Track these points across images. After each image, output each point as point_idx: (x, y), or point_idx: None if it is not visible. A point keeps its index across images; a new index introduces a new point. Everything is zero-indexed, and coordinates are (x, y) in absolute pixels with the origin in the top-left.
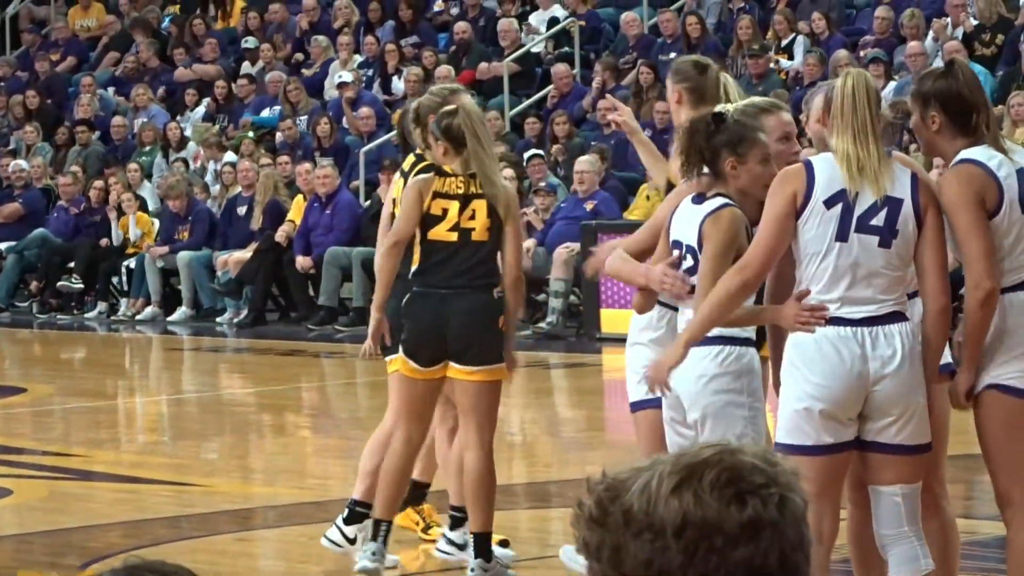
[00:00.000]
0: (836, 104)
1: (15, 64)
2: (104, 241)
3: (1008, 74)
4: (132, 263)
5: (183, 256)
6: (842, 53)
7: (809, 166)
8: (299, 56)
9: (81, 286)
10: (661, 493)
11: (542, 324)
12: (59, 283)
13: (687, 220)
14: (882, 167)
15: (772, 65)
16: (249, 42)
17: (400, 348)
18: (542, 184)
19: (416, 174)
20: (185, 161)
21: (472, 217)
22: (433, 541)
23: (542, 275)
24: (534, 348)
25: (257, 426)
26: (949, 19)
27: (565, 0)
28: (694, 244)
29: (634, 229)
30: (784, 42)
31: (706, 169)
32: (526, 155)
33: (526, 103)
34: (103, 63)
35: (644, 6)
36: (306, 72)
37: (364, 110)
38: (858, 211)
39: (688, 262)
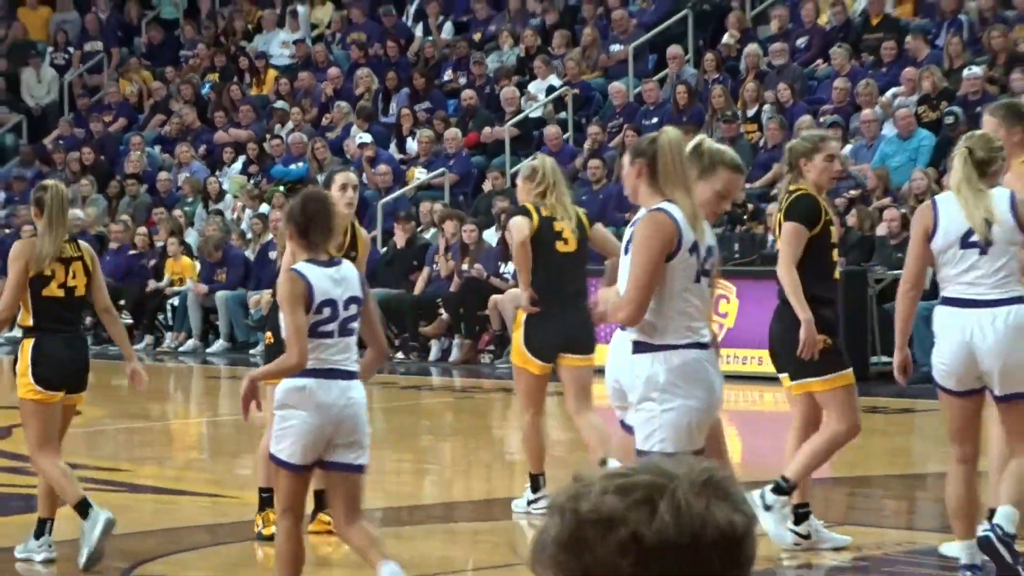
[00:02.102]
0: (663, 161)
1: (72, 124)
2: (151, 283)
3: (947, 138)
4: (176, 301)
5: (220, 295)
6: (805, 119)
7: (672, 216)
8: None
9: (130, 321)
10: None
11: None
12: None
13: None
14: (702, 218)
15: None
16: (279, 105)
17: None
18: None
19: (789, 209)
20: (221, 212)
21: (74, 276)
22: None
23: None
24: None
25: None
26: (903, 87)
27: (563, 69)
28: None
29: None
30: (751, 111)
31: None
32: None
33: (524, 162)
34: (150, 124)
35: (630, 77)
36: (330, 135)
37: (382, 167)
38: (702, 257)
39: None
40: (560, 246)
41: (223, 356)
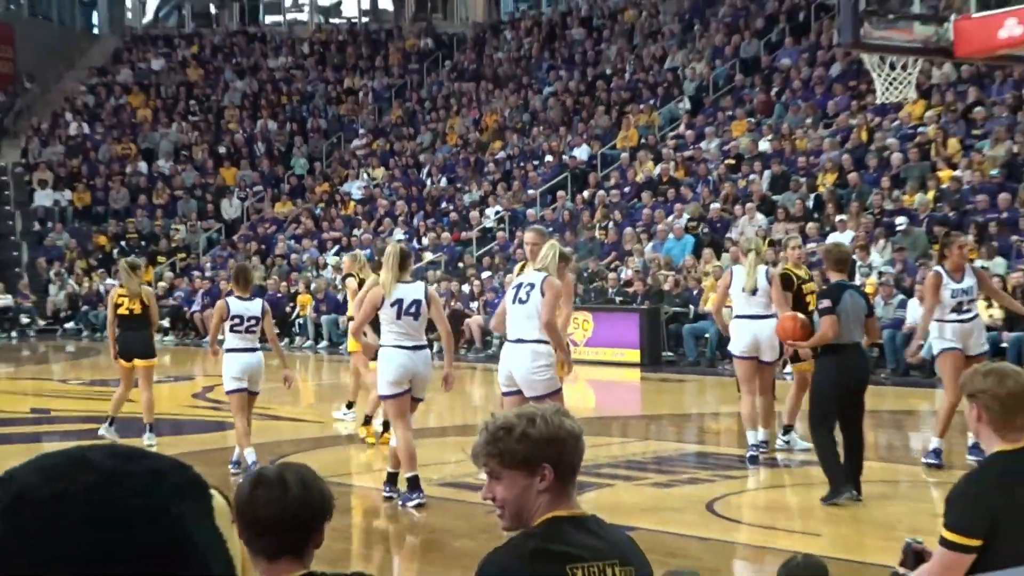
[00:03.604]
0: (384, 257)
1: (248, 229)
2: (288, 308)
3: (700, 242)
4: (301, 320)
5: (325, 318)
6: (628, 229)
7: (381, 286)
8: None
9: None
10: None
11: (490, 350)
12: None
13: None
14: (401, 284)
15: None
16: (358, 220)
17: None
18: (490, 287)
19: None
20: (323, 275)
21: (134, 304)
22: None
23: (486, 326)
24: (485, 362)
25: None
26: (677, 213)
27: (504, 202)
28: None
29: None
30: (601, 224)
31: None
32: (483, 275)
33: (484, 250)
34: (288, 229)
35: (538, 206)
36: (381, 234)
37: None
38: (405, 305)
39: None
40: None
41: (325, 350)
